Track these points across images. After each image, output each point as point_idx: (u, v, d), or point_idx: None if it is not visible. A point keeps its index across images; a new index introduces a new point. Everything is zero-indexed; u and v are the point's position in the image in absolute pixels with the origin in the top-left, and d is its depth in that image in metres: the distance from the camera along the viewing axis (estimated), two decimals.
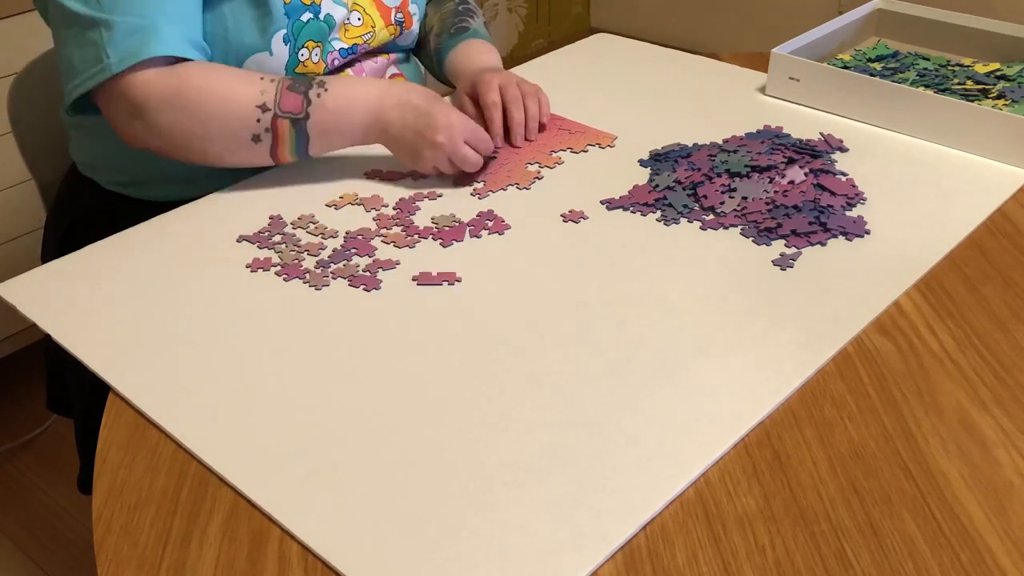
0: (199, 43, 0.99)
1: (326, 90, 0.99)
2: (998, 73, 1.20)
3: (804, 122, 1.15)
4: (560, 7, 3.37)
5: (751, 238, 0.93)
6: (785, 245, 0.92)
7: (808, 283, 0.87)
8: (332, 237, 0.95)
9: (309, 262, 0.91)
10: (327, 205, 1.01)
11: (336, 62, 1.11)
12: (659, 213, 0.98)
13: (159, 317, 0.85)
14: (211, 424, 0.73)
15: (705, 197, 0.98)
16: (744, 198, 0.97)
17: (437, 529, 0.64)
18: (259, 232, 0.96)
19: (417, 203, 1.01)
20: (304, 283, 0.89)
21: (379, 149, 1.10)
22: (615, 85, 1.27)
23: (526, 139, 1.12)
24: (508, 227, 0.96)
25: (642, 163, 1.07)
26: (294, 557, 0.63)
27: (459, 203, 1.01)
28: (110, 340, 0.82)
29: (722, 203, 0.97)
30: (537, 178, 1.05)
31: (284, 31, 1.04)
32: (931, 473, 0.68)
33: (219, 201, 1.03)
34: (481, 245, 0.94)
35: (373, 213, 0.99)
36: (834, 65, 1.23)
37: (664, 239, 0.94)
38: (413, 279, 0.89)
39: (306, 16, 1.06)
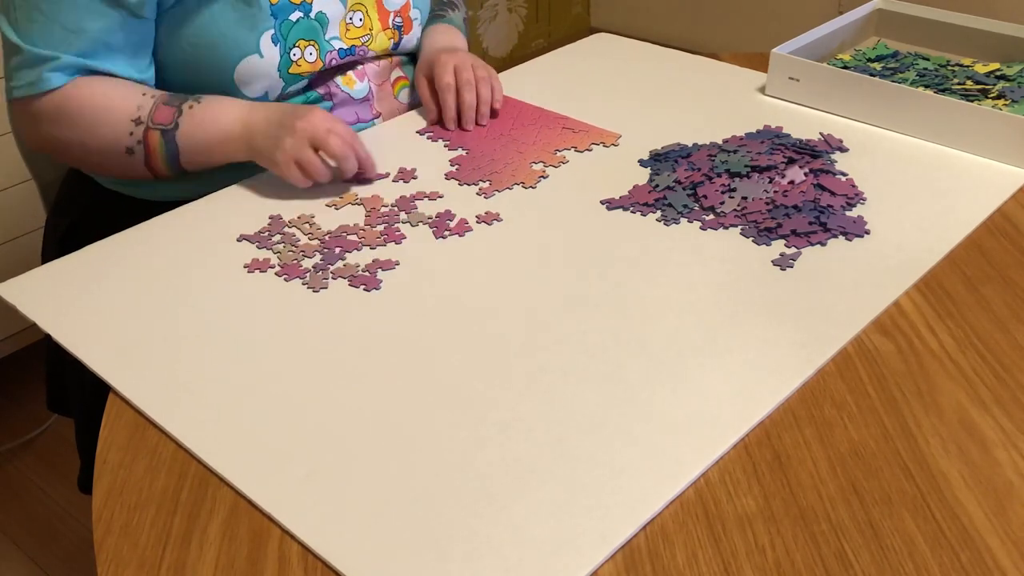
0: (96, 69, 1.02)
1: (199, 103, 1.02)
2: (998, 73, 1.20)
3: (804, 122, 1.15)
4: (560, 7, 3.37)
5: (751, 238, 0.93)
6: (785, 245, 0.92)
7: (808, 283, 0.87)
8: (329, 237, 0.95)
9: (307, 263, 0.91)
10: (327, 205, 1.01)
11: (334, 62, 1.11)
12: (659, 213, 0.98)
13: (159, 317, 0.85)
14: (211, 424, 0.73)
15: (705, 197, 0.98)
16: (744, 198, 0.97)
17: (437, 529, 0.64)
18: (259, 232, 0.96)
19: (416, 203, 1.01)
20: (303, 284, 0.89)
21: (379, 149, 1.10)
22: (615, 85, 1.27)
23: (477, 124, 1.14)
24: (499, 218, 0.96)
25: (642, 163, 1.07)
26: (294, 557, 0.63)
27: (462, 202, 1.01)
28: (110, 340, 0.82)
29: (722, 203, 0.97)
30: (542, 177, 1.05)
31: (272, 31, 1.04)
32: (931, 473, 0.68)
33: (219, 201, 1.03)
34: (481, 245, 0.94)
35: (362, 212, 0.99)
36: (834, 65, 1.23)
37: (664, 239, 0.94)
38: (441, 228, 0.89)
39: (295, 15, 1.05)
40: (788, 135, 1.08)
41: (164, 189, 1.10)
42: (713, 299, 0.85)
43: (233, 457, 0.70)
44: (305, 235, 0.96)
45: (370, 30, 1.14)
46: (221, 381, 0.77)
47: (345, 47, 1.11)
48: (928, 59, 1.27)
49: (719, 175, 1.00)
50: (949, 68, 1.23)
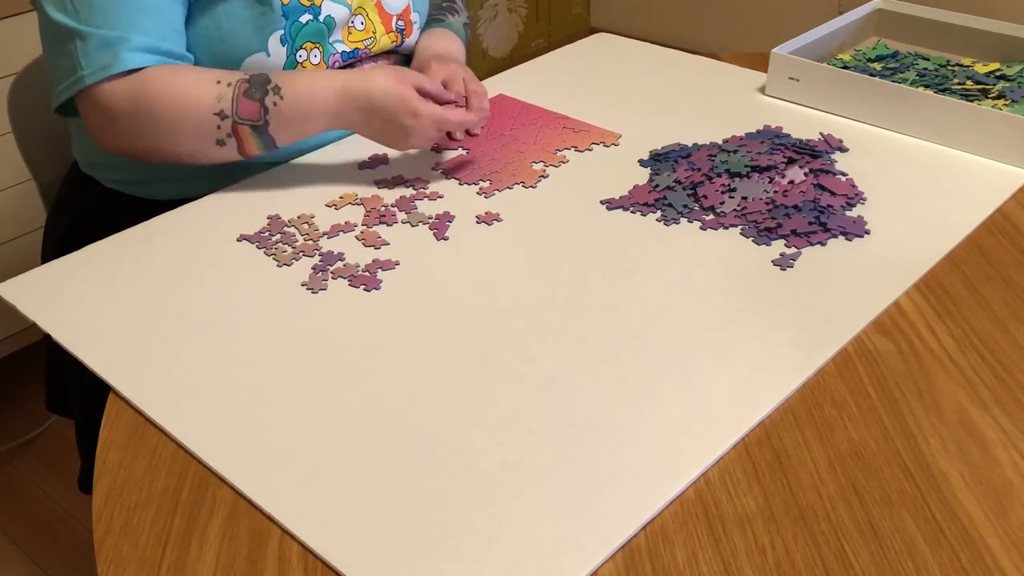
0: (171, 51, 1.00)
1: (281, 98, 0.99)
2: (998, 73, 1.20)
3: (804, 122, 1.15)
4: (560, 7, 3.37)
5: (751, 238, 0.93)
6: (785, 245, 0.92)
7: (808, 283, 0.87)
8: (328, 238, 0.96)
9: (306, 263, 0.91)
10: (327, 205, 1.01)
11: (337, 64, 1.11)
12: (659, 213, 0.98)
13: (159, 317, 0.85)
14: (211, 424, 0.73)
15: (705, 197, 0.98)
16: (744, 198, 0.97)
17: (437, 529, 0.64)
18: (259, 232, 0.96)
19: (415, 203, 1.01)
20: (302, 286, 0.89)
21: (379, 149, 1.11)
22: (615, 85, 1.27)
23: (468, 135, 1.11)
24: (498, 219, 0.96)
25: (642, 163, 1.07)
26: (294, 557, 0.63)
27: (463, 202, 1.01)
28: (110, 340, 0.82)
29: (722, 203, 0.97)
30: (542, 176, 1.05)
31: (281, 32, 1.04)
32: (931, 473, 0.68)
33: (219, 201, 1.03)
34: (481, 245, 0.94)
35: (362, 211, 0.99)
36: (834, 65, 1.23)
37: (664, 239, 0.94)
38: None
39: (305, 17, 1.06)
40: (788, 135, 1.08)
41: (165, 187, 1.10)
42: (713, 299, 0.85)
43: (233, 457, 0.70)
44: (304, 235, 0.96)
45: (373, 33, 1.14)
46: (221, 381, 0.77)
47: (348, 50, 1.12)
48: (928, 59, 1.27)
49: (719, 175, 1.00)
50: (949, 68, 1.23)
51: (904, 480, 0.67)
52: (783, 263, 0.89)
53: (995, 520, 0.64)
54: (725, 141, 1.07)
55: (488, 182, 1.04)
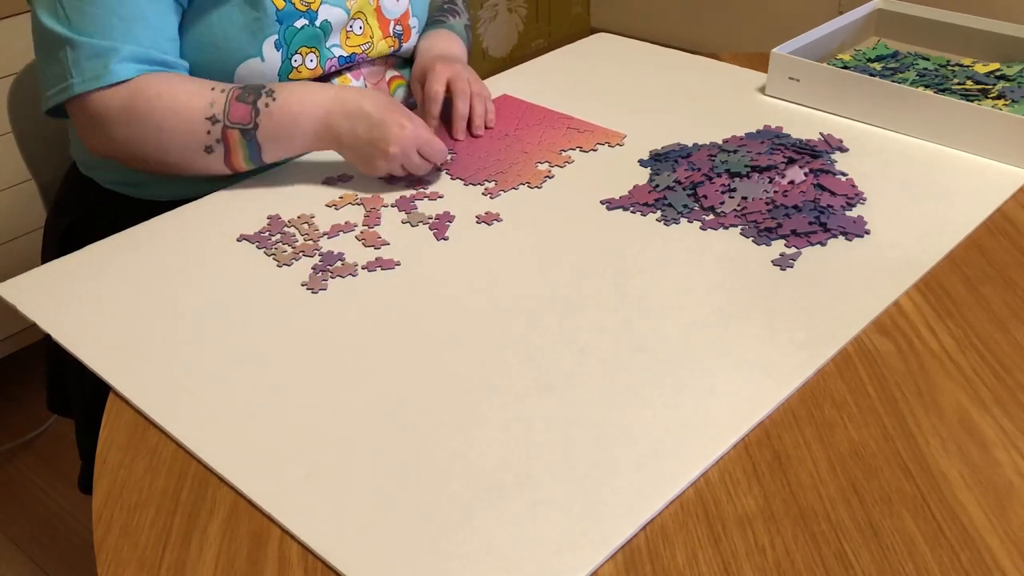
0: (163, 60, 1.00)
1: (274, 100, 1.00)
2: (998, 73, 1.20)
3: (804, 122, 1.15)
4: (560, 7, 3.37)
5: (751, 238, 0.93)
6: (785, 245, 0.92)
7: (808, 283, 0.87)
8: (328, 238, 0.96)
9: (306, 263, 0.91)
10: (327, 205, 1.01)
11: (333, 68, 1.11)
12: (659, 213, 0.98)
13: (159, 317, 0.85)
14: (211, 424, 0.73)
15: (705, 197, 0.98)
16: (744, 198, 0.97)
17: (437, 529, 0.64)
18: (259, 232, 0.96)
19: (416, 203, 1.01)
20: (302, 286, 0.89)
21: None
22: (615, 85, 1.27)
23: (471, 135, 1.12)
24: (499, 219, 0.96)
25: (642, 163, 1.07)
26: (294, 557, 0.63)
27: (465, 202, 1.01)
28: (110, 340, 0.82)
29: (722, 203, 0.97)
30: (548, 177, 1.05)
31: (276, 37, 1.04)
32: (931, 473, 0.68)
33: (219, 201, 1.03)
34: (481, 245, 0.94)
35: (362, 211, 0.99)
36: (834, 65, 1.23)
37: (664, 239, 0.94)
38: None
39: (300, 22, 1.05)
40: (788, 135, 1.08)
41: (164, 188, 1.10)
42: (713, 299, 0.85)
43: (233, 457, 0.70)
44: (304, 235, 0.96)
45: (371, 38, 1.14)
46: (221, 381, 0.77)
47: (345, 54, 1.11)
48: (928, 59, 1.27)
49: (719, 175, 1.00)
50: (949, 68, 1.23)
51: (904, 480, 0.67)
52: (783, 263, 0.89)
53: (995, 520, 0.64)
54: (725, 141, 1.07)
55: (494, 183, 1.04)
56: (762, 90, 1.24)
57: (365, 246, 0.94)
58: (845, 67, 1.23)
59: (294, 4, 1.05)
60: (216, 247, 0.95)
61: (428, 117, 1.11)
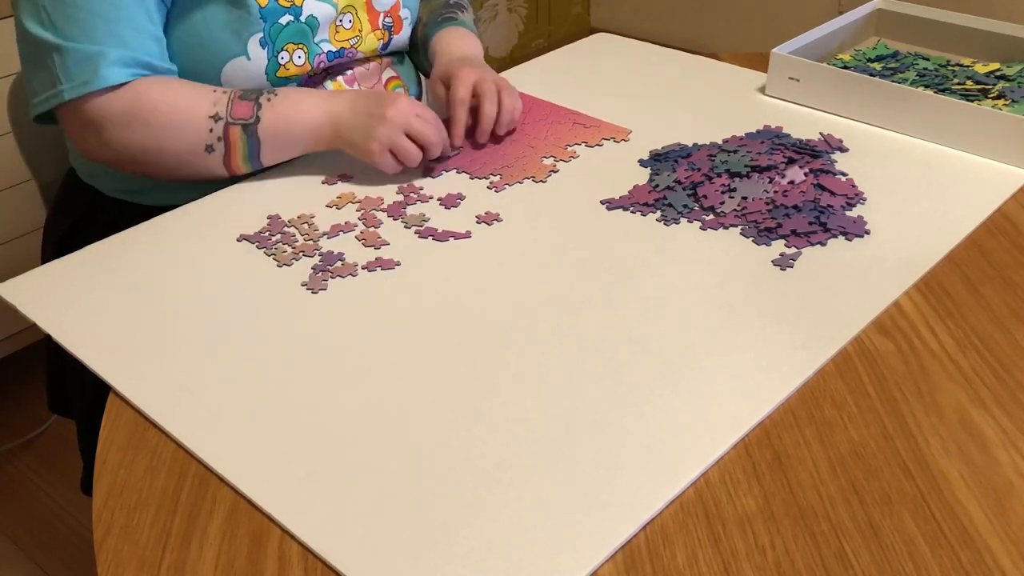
0: (151, 62, 1.00)
1: (276, 95, 1.01)
2: (998, 73, 1.20)
3: (804, 122, 1.15)
4: (560, 7, 3.37)
5: (751, 238, 0.93)
6: (785, 245, 0.92)
7: (808, 283, 0.87)
8: (328, 238, 0.96)
9: (306, 263, 0.91)
10: (327, 205, 1.01)
11: (322, 64, 1.10)
12: (659, 213, 0.98)
13: (159, 317, 0.85)
14: (211, 424, 0.73)
15: (705, 197, 0.98)
16: (744, 198, 0.97)
17: (437, 529, 0.64)
18: (259, 232, 0.96)
19: (417, 202, 1.01)
20: (302, 286, 0.89)
21: None
22: (615, 85, 1.27)
23: (495, 133, 1.11)
24: (499, 218, 0.96)
25: (642, 163, 1.07)
26: (294, 557, 0.63)
27: (471, 198, 1.01)
28: (110, 340, 0.82)
29: (722, 203, 0.97)
30: (553, 171, 1.06)
31: (261, 35, 1.04)
32: (931, 473, 0.68)
33: (219, 201, 1.03)
34: (481, 245, 0.94)
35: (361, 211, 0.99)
36: (834, 65, 1.23)
37: (664, 239, 0.94)
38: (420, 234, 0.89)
39: (285, 19, 1.05)
40: (788, 135, 1.08)
41: (167, 195, 1.10)
42: (713, 299, 0.85)
43: (233, 457, 0.70)
44: (304, 235, 0.96)
45: (359, 31, 1.13)
46: (221, 381, 0.77)
47: (334, 49, 1.11)
48: (928, 59, 1.27)
49: (719, 175, 1.00)
50: (949, 68, 1.23)
51: (904, 480, 0.67)
52: (783, 263, 0.89)
53: (995, 520, 0.64)
54: (725, 141, 1.07)
55: (499, 176, 1.05)
56: (762, 90, 1.24)
57: (365, 246, 0.94)
58: (845, 67, 1.23)
59: (278, 0, 1.04)
60: (216, 247, 0.95)
61: (455, 123, 1.08)
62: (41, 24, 0.96)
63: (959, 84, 1.17)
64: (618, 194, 1.01)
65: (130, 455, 0.72)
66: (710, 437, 0.71)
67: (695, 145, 1.08)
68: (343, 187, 1.04)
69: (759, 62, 1.30)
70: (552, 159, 1.08)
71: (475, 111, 1.10)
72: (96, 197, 1.14)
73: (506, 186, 1.03)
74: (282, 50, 1.06)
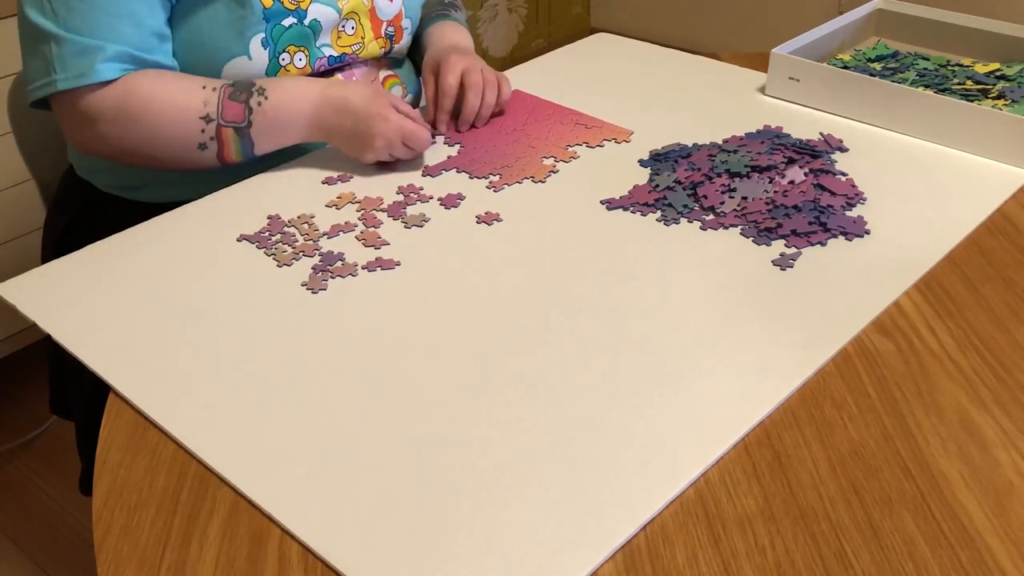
0: (148, 60, 1.00)
1: (266, 98, 1.01)
2: (998, 73, 1.20)
3: (804, 122, 1.15)
4: (560, 7, 3.37)
5: (751, 238, 0.93)
6: (785, 245, 0.92)
7: (808, 283, 0.87)
8: (328, 238, 0.96)
9: (306, 263, 0.91)
10: (327, 205, 1.01)
11: (323, 68, 1.11)
12: (659, 213, 0.98)
13: (159, 317, 0.85)
14: (211, 424, 0.73)
15: (705, 197, 0.98)
16: (744, 198, 0.97)
17: (437, 529, 0.64)
18: (259, 232, 0.96)
19: (417, 203, 1.01)
20: (302, 286, 0.89)
21: None
22: (615, 85, 1.27)
23: (473, 125, 1.14)
24: (498, 218, 0.96)
25: (642, 163, 1.07)
26: (294, 557, 0.63)
27: (470, 196, 1.01)
28: (110, 340, 0.82)
29: (722, 203, 0.97)
30: (552, 172, 1.06)
31: (263, 35, 1.04)
32: (931, 473, 0.68)
33: (219, 201, 1.03)
34: (481, 245, 0.94)
35: (361, 212, 0.99)
36: (834, 65, 1.23)
37: (664, 239, 0.94)
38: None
39: (288, 21, 1.05)
40: (788, 135, 1.08)
41: (162, 191, 1.10)
42: (713, 299, 0.85)
43: (233, 457, 0.70)
44: (304, 235, 0.96)
45: (362, 38, 1.13)
46: (221, 381, 0.77)
47: (335, 54, 1.11)
48: (928, 59, 1.27)
49: (719, 175, 1.00)
50: (949, 68, 1.23)
51: (904, 480, 0.67)
52: (783, 263, 0.89)
53: (995, 520, 0.64)
54: (725, 141, 1.07)
55: (498, 176, 1.05)
56: (762, 90, 1.24)
57: (365, 246, 0.94)
58: (845, 67, 1.23)
59: (282, 2, 1.05)
60: (216, 247, 0.95)
61: (440, 111, 1.13)
62: (42, 12, 0.96)
63: (959, 84, 1.17)
64: (618, 194, 1.01)
65: (130, 455, 0.72)
66: (710, 437, 0.71)
67: (695, 145, 1.08)
68: (343, 187, 1.04)
69: (759, 62, 1.30)
70: (552, 159, 1.08)
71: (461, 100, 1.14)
72: (93, 193, 1.14)
73: (505, 186, 1.03)
74: (283, 52, 1.06)
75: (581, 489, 0.66)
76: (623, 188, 1.02)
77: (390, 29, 1.17)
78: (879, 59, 1.27)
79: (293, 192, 1.03)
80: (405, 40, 1.20)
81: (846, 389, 0.76)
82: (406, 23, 1.19)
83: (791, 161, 1.01)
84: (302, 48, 1.08)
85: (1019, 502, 0.65)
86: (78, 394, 1.10)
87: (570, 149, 1.10)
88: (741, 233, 0.94)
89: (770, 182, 0.99)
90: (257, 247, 0.94)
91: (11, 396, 1.89)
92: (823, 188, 0.99)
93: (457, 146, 1.11)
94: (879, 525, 0.64)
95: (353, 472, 0.68)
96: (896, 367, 0.78)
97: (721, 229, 0.95)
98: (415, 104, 1.25)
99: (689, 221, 0.96)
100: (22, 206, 1.73)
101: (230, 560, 0.63)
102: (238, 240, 0.95)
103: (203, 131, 1.00)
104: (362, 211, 1.00)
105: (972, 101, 1.12)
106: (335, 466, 0.69)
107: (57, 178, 1.22)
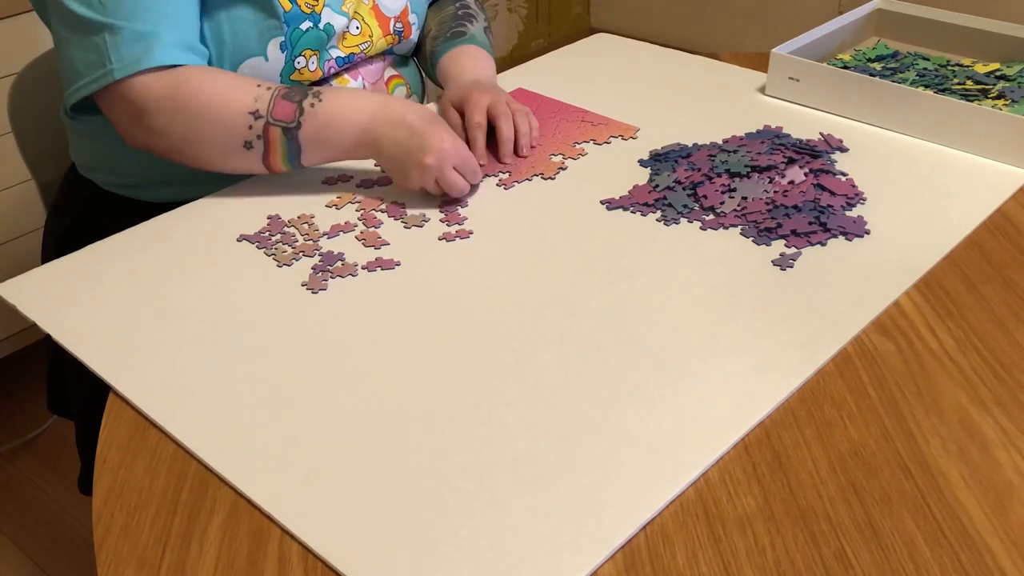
0: (198, 48, 1.00)
1: (320, 101, 0.98)
2: (998, 73, 1.20)
3: (804, 122, 1.15)
4: (560, 7, 3.37)
5: (751, 238, 0.93)
6: (785, 245, 0.92)
7: (808, 283, 0.87)
8: (328, 238, 0.96)
9: (306, 263, 0.91)
10: (327, 205, 1.01)
11: (332, 70, 1.11)
12: (659, 213, 0.98)
13: (159, 317, 0.85)
14: (211, 424, 0.73)
15: (705, 197, 0.98)
16: (744, 198, 0.97)
17: (437, 529, 0.64)
18: (259, 232, 0.96)
19: (416, 200, 1.01)
20: (302, 286, 0.89)
21: None
22: (615, 85, 1.27)
23: (517, 155, 1.09)
24: (471, 233, 0.97)
25: (642, 163, 1.07)
26: (294, 557, 0.63)
27: (473, 196, 1.01)
28: (110, 340, 0.82)
29: (722, 203, 0.97)
30: (561, 168, 1.06)
31: (282, 39, 1.04)
32: (931, 473, 0.68)
33: (219, 201, 1.03)
34: (481, 244, 0.94)
35: (360, 212, 0.99)
36: (834, 65, 1.23)
37: (664, 239, 0.94)
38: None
39: (305, 25, 1.06)
40: (788, 135, 1.08)
41: (163, 191, 1.10)
42: (713, 299, 0.85)
43: (233, 457, 0.70)
44: (304, 235, 0.96)
45: (369, 37, 1.14)
46: (221, 381, 0.77)
47: (343, 55, 1.12)
48: (928, 59, 1.27)
49: (719, 175, 1.00)
50: (949, 68, 1.23)
51: (904, 480, 0.67)
52: (783, 263, 0.89)
53: (995, 520, 0.64)
54: (725, 141, 1.07)
55: (507, 173, 1.05)
56: (762, 90, 1.24)
57: (365, 246, 0.94)
58: (845, 67, 1.23)
59: (300, 7, 1.05)
60: (216, 247, 0.95)
61: (475, 147, 1.07)
62: (89, 6, 0.94)
63: (959, 84, 1.17)
64: (618, 194, 1.01)
65: (130, 455, 0.72)
66: (710, 437, 0.71)
67: (695, 145, 1.08)
68: (343, 187, 1.04)
69: (759, 62, 1.30)
70: (560, 156, 1.09)
71: (492, 134, 1.09)
72: (95, 192, 1.14)
73: (515, 183, 1.03)
74: (299, 55, 1.06)
75: (581, 489, 0.66)
76: (623, 188, 1.02)
77: (398, 25, 1.17)
78: (879, 59, 1.27)
79: (293, 192, 1.03)
80: (413, 35, 1.20)
81: (846, 389, 0.76)
82: (412, 18, 1.19)
83: (791, 161, 1.01)
84: (316, 51, 1.08)
85: (1019, 502, 0.65)
86: (78, 393, 1.10)
87: (577, 146, 1.11)
88: (741, 233, 0.94)
89: (770, 182, 0.99)
90: (257, 247, 0.94)
91: (11, 396, 1.89)
92: (823, 188, 0.99)
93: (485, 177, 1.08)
94: (879, 525, 0.64)
95: (353, 472, 0.68)
96: (896, 367, 0.78)
97: (721, 229, 0.95)
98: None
99: (689, 221, 0.96)
100: (22, 206, 1.73)
101: (230, 560, 0.63)
102: (238, 240, 0.95)
103: (250, 127, 0.97)
104: (362, 211, 1.00)
105: (972, 101, 1.12)
106: (335, 466, 0.69)
107: (58, 178, 1.23)
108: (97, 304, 0.87)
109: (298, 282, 0.89)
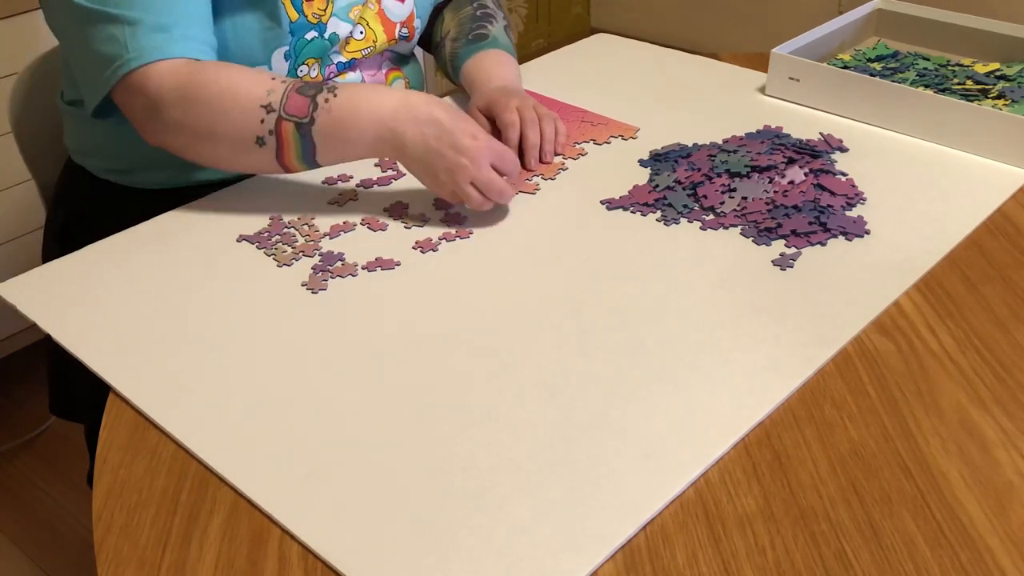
0: (215, 45, 0.99)
1: (335, 96, 0.93)
2: (998, 73, 1.20)
3: (804, 122, 1.15)
4: (560, 7, 3.37)
5: (751, 238, 0.93)
6: (785, 245, 0.92)
7: (808, 283, 0.87)
8: (329, 238, 0.96)
9: (306, 263, 0.92)
10: (328, 204, 1.01)
11: (333, 75, 1.12)
12: (659, 213, 0.98)
13: (159, 317, 0.85)
14: (211, 424, 0.73)
15: (705, 197, 0.98)
16: (744, 198, 0.97)
17: (437, 529, 0.64)
18: (259, 232, 0.96)
19: (416, 200, 1.01)
20: (302, 286, 0.89)
21: None
22: (615, 85, 1.27)
23: (542, 161, 1.07)
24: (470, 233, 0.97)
25: (642, 163, 1.07)
26: (294, 557, 0.63)
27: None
28: (110, 340, 0.82)
29: (722, 203, 0.97)
30: (562, 169, 1.06)
31: (286, 48, 1.04)
32: (931, 473, 0.68)
33: (219, 201, 1.03)
34: (481, 245, 0.94)
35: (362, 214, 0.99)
36: (834, 65, 1.23)
37: (664, 239, 0.94)
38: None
39: (311, 35, 1.05)
40: (788, 135, 1.08)
41: (155, 175, 1.08)
42: (713, 299, 0.85)
43: (233, 457, 0.70)
44: (304, 235, 0.96)
45: (373, 42, 1.13)
46: (221, 381, 0.77)
47: (344, 60, 1.12)
48: (928, 59, 1.27)
49: (719, 175, 1.00)
50: (949, 68, 1.23)
51: (904, 480, 0.67)
52: (783, 263, 0.89)
53: (995, 520, 0.64)
54: (725, 141, 1.07)
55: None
56: (762, 90, 1.24)
57: (371, 230, 0.94)
58: (845, 67, 1.23)
59: (306, 17, 1.04)
60: (216, 247, 0.95)
61: (508, 143, 1.04)
62: (103, 2, 0.92)
63: (959, 84, 1.17)
64: (618, 194, 1.01)
65: (130, 455, 0.72)
66: (710, 437, 0.71)
67: (695, 145, 1.08)
68: (344, 187, 1.04)
69: (759, 62, 1.31)
70: (560, 157, 1.09)
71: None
72: (90, 180, 1.13)
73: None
74: (302, 64, 1.06)
75: (581, 489, 0.66)
76: (623, 188, 1.02)
77: (404, 31, 1.16)
78: (879, 59, 1.27)
79: (294, 192, 1.03)
80: (416, 36, 1.20)
81: (846, 389, 0.76)
82: (417, 23, 1.19)
83: (791, 161, 1.01)
84: (318, 60, 1.08)
85: (1019, 502, 0.65)
86: (87, 390, 1.10)
87: (578, 147, 1.11)
88: (741, 233, 0.94)
89: (770, 182, 0.99)
90: (257, 247, 0.94)
91: (11, 396, 1.89)
92: (823, 188, 0.99)
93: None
94: (879, 525, 0.64)
95: (353, 472, 0.68)
96: (896, 367, 0.78)
97: (721, 229, 0.95)
98: None
99: (689, 221, 0.96)
100: (22, 206, 1.73)
101: (230, 560, 0.63)
102: (238, 240, 0.95)
103: (262, 122, 0.93)
104: (363, 211, 1.00)
105: (972, 101, 1.12)
106: (335, 466, 0.69)
107: (57, 178, 1.23)
108: (97, 304, 0.87)
109: (298, 282, 0.89)
